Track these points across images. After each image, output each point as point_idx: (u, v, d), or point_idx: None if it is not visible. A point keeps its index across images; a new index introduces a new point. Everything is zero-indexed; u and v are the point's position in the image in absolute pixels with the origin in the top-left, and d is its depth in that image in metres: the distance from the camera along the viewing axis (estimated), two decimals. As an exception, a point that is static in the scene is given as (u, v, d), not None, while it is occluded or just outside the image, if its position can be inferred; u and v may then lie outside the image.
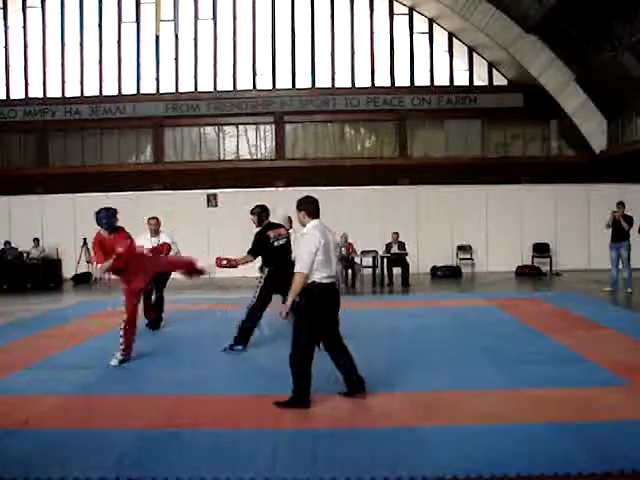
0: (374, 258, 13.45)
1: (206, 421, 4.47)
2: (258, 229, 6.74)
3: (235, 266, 6.57)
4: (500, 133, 20.92)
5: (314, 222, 4.79)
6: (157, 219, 8.27)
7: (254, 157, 21.23)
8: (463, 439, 3.98)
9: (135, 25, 20.90)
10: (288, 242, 6.73)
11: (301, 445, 4.00)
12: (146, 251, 7.48)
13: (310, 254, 4.56)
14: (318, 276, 4.61)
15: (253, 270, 15.80)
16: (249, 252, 6.57)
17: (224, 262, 6.48)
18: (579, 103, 18.54)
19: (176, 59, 20.87)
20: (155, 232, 8.18)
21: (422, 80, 20.65)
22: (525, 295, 11.13)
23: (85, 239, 15.35)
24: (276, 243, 6.59)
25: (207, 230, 15.89)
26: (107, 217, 6.39)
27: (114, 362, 6.10)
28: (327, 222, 5.56)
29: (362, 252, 13.64)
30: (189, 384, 5.44)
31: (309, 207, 4.82)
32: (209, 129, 21.25)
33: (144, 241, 7.82)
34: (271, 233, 6.60)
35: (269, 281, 6.60)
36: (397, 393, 5.02)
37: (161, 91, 20.76)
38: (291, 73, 20.72)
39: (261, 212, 6.78)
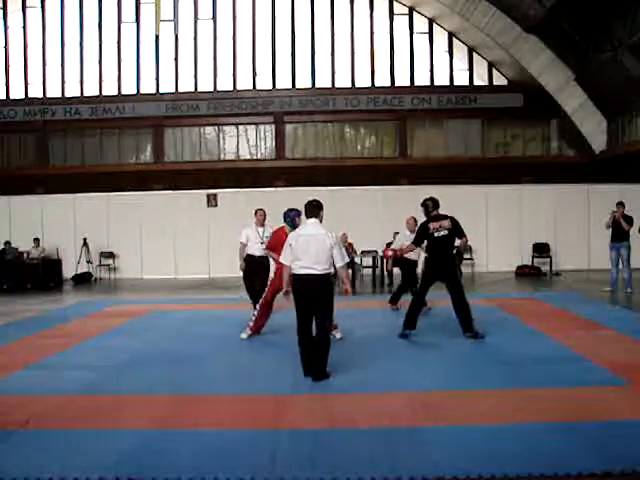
0: (374, 258, 13.44)
1: (206, 421, 4.47)
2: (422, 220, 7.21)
3: (400, 256, 7.69)
4: (500, 133, 20.92)
5: (309, 221, 5.53)
6: (264, 211, 8.59)
7: (254, 157, 21.23)
8: (463, 439, 3.98)
9: (135, 25, 20.90)
10: (450, 233, 6.97)
11: (301, 445, 3.99)
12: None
13: (286, 249, 5.48)
14: (294, 267, 5.39)
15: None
16: (412, 242, 7.27)
17: (390, 252, 7.40)
18: (579, 103, 18.54)
19: (176, 59, 20.86)
20: (261, 224, 8.41)
21: (422, 80, 20.65)
22: (525, 295, 11.12)
23: (85, 239, 15.39)
24: (436, 234, 6.93)
25: (207, 230, 15.90)
26: (292, 217, 7.19)
27: (244, 335, 7.25)
28: (327, 222, 5.64)
29: (362, 252, 13.64)
30: (189, 384, 5.44)
31: (305, 209, 5.60)
32: (209, 129, 21.26)
33: (251, 232, 8.31)
34: (432, 225, 6.97)
35: (429, 270, 7.12)
36: (397, 393, 5.02)
37: (161, 91, 20.75)
38: (291, 73, 20.72)
39: (430, 204, 7.12)
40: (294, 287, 5.42)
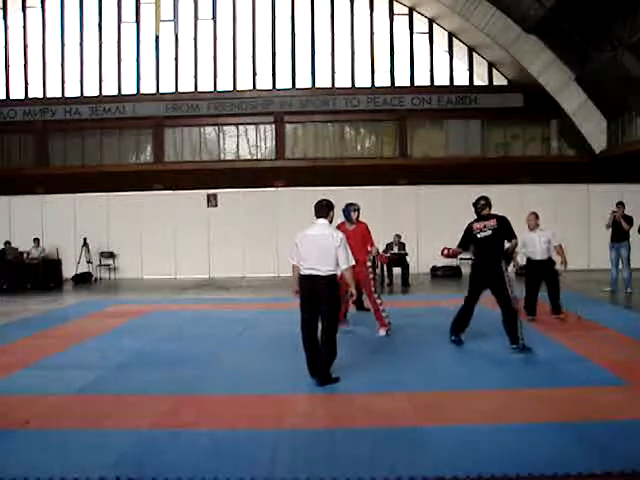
0: (374, 258, 13.39)
1: (206, 421, 4.46)
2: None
3: (454, 256, 7.10)
4: (500, 133, 20.93)
5: (317, 221, 5.45)
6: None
7: (254, 157, 21.24)
8: (463, 439, 3.97)
9: (135, 25, 20.91)
10: (495, 234, 6.40)
11: (301, 445, 3.99)
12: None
13: (292, 248, 5.45)
14: (301, 268, 5.38)
15: (253, 270, 15.88)
16: (458, 244, 6.76)
17: (445, 252, 6.86)
18: (579, 103, 18.54)
19: (176, 59, 20.88)
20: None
21: (422, 80, 20.66)
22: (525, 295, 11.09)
23: (85, 239, 15.38)
24: (479, 235, 6.45)
25: (207, 230, 15.90)
26: (348, 211, 7.43)
27: (382, 333, 7.32)
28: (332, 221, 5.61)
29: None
30: (189, 384, 5.44)
31: (315, 209, 5.50)
32: (209, 129, 21.27)
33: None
34: (475, 225, 6.52)
35: (472, 274, 6.66)
36: (397, 393, 5.02)
37: (161, 91, 20.77)
38: (291, 73, 20.73)
39: (480, 202, 6.61)
40: (300, 287, 5.38)
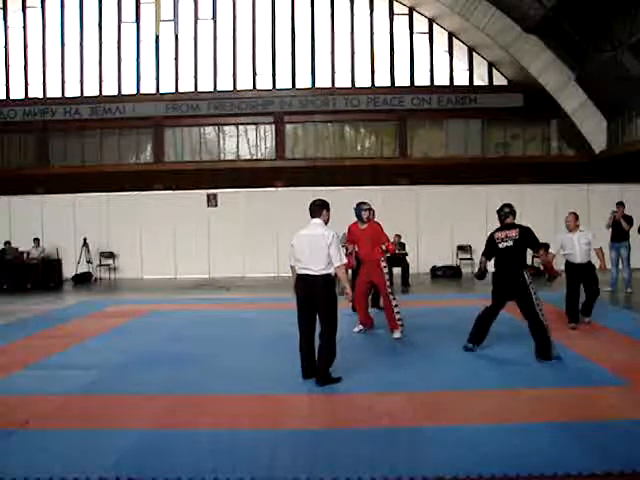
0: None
1: (206, 421, 4.47)
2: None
3: (483, 269, 6.61)
4: (500, 133, 20.92)
5: (312, 221, 5.48)
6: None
7: (254, 157, 21.23)
8: (463, 439, 3.98)
9: (135, 25, 20.90)
10: (516, 244, 6.18)
11: (301, 445, 3.99)
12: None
13: (289, 248, 5.51)
14: (296, 268, 5.44)
15: (253, 270, 15.87)
16: (482, 253, 6.61)
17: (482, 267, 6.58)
18: (579, 103, 18.55)
19: (176, 59, 20.87)
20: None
21: (422, 80, 20.65)
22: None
23: (85, 239, 15.38)
24: (501, 245, 6.25)
25: (207, 230, 15.91)
26: (358, 210, 7.43)
27: (397, 335, 7.20)
28: (329, 221, 5.60)
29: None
30: (189, 384, 5.44)
31: (309, 209, 5.53)
32: (209, 129, 21.26)
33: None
34: (497, 234, 6.34)
35: (494, 285, 6.38)
36: (397, 393, 5.02)
37: (161, 91, 20.76)
38: (291, 73, 20.72)
39: (504, 211, 6.40)
40: (296, 287, 5.43)
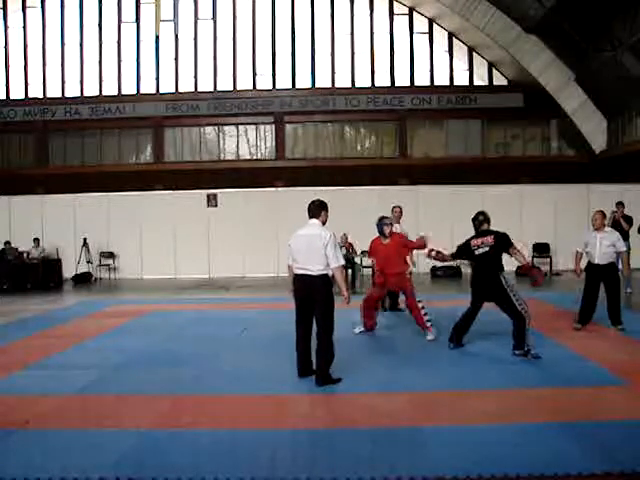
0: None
1: (206, 421, 4.47)
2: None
3: (442, 260, 7.14)
4: (500, 133, 20.91)
5: (309, 222, 5.50)
6: (400, 207, 8.96)
7: (254, 157, 21.23)
8: (463, 439, 3.98)
9: (135, 25, 20.90)
10: (493, 249, 6.39)
11: (301, 445, 4.00)
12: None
13: (287, 249, 5.55)
14: (294, 268, 5.48)
15: (253, 270, 15.86)
16: (451, 253, 6.79)
17: (432, 254, 6.89)
18: (579, 103, 18.53)
19: (176, 59, 20.86)
20: (397, 221, 8.46)
21: (422, 80, 20.65)
22: (525, 295, 11.08)
23: (85, 239, 15.39)
24: (477, 252, 6.45)
25: (207, 230, 15.91)
26: (380, 225, 7.42)
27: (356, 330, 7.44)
28: (327, 222, 5.60)
29: (362, 252, 13.61)
30: (189, 384, 5.44)
31: (307, 210, 5.55)
32: (209, 129, 21.25)
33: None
34: (474, 241, 6.52)
35: (473, 288, 6.62)
36: (397, 393, 5.02)
37: (161, 91, 20.76)
38: (291, 73, 20.72)
39: (478, 219, 6.64)
40: (293, 287, 5.48)
